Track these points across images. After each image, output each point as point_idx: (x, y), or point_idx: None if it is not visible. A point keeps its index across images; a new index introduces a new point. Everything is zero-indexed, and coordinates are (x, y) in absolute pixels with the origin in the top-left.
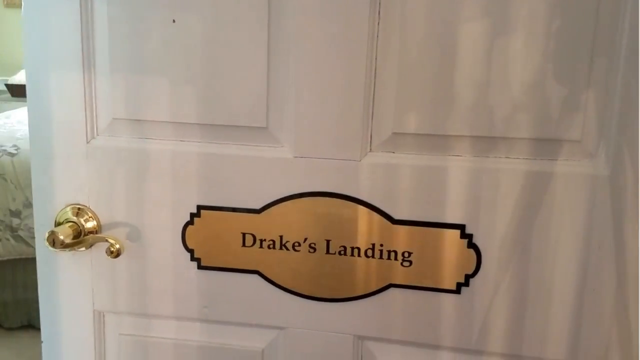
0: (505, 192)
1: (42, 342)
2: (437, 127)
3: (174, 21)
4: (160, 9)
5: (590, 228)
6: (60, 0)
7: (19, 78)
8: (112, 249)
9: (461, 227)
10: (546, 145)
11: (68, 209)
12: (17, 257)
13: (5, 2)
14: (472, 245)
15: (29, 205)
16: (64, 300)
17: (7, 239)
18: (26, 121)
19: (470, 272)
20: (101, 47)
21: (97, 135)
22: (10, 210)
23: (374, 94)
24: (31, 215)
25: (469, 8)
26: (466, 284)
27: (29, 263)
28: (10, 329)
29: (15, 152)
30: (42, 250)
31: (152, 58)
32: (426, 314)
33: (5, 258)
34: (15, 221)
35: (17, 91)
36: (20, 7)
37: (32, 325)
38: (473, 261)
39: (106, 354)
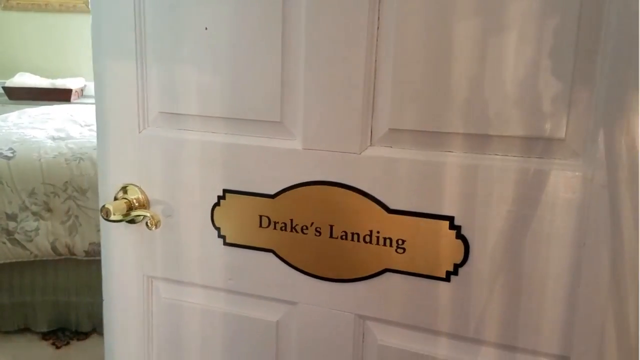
0: (494, 188)
1: (102, 300)
2: (431, 124)
3: (206, 29)
4: (195, 19)
5: (578, 225)
6: (119, 9)
7: (16, 80)
8: (150, 223)
9: (450, 219)
10: (533, 144)
11: (126, 187)
12: (14, 260)
13: (3, 5)
14: (460, 236)
15: (24, 208)
16: (119, 265)
17: (4, 243)
18: (23, 124)
19: (458, 261)
20: (150, 58)
21: (147, 126)
22: (6, 213)
23: (374, 92)
24: (27, 218)
25: (464, 7)
26: (455, 272)
27: (26, 266)
28: (6, 332)
29: (11, 155)
30: (104, 222)
31: (187, 62)
32: (419, 299)
33: (1, 262)
34: (12, 224)
35: (14, 94)
36: (18, 11)
37: (28, 328)
38: (461, 251)
39: (153, 315)
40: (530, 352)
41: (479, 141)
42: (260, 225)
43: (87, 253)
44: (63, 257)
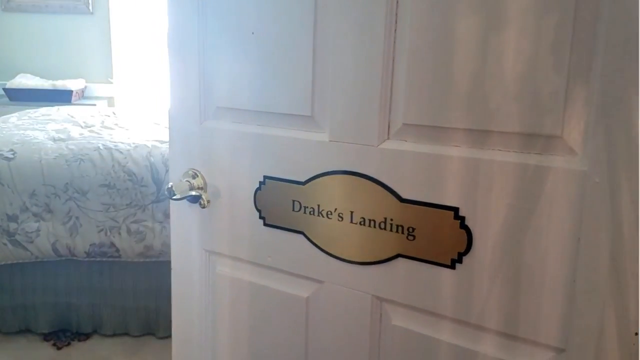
0: (496, 181)
1: (171, 269)
2: (439, 119)
3: (252, 33)
4: (244, 24)
5: (576, 220)
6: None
7: (17, 82)
8: (202, 202)
9: (455, 210)
10: (533, 140)
11: (189, 171)
12: (15, 261)
13: (3, 7)
14: (464, 226)
15: (25, 209)
16: (183, 240)
17: (4, 244)
18: (23, 126)
19: (462, 250)
20: (209, 62)
21: (208, 119)
22: (7, 214)
23: (391, 89)
24: (28, 219)
25: (466, 6)
26: (459, 260)
27: (27, 267)
28: (7, 333)
29: (12, 156)
30: (171, 202)
31: (237, 63)
32: (427, 284)
33: (2, 263)
34: (13, 225)
35: (15, 95)
36: (19, 12)
37: (29, 330)
38: (465, 241)
39: (209, 285)
40: (530, 342)
41: (482, 136)
42: (293, 209)
43: (87, 254)
44: (64, 258)
